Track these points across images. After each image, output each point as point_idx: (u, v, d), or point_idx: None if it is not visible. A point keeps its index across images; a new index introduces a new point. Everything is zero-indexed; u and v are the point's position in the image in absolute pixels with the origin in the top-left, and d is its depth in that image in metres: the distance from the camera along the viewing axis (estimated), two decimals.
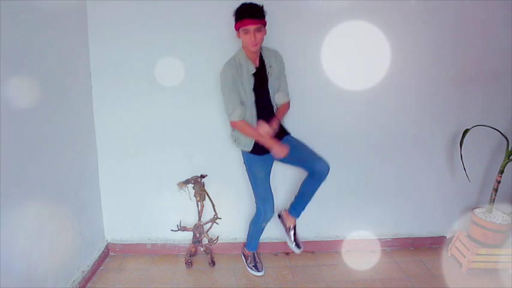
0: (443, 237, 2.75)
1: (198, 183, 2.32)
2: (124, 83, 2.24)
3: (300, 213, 2.28)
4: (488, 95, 2.43)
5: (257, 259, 2.42)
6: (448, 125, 2.48)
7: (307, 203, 2.24)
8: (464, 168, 2.35)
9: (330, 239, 2.65)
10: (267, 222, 2.26)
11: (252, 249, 2.41)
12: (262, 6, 1.87)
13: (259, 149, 2.06)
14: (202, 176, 2.36)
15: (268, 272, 2.39)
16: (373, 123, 2.43)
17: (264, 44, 2.00)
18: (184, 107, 2.32)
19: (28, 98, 1.62)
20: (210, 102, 2.31)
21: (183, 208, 2.45)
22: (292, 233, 2.32)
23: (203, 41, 2.20)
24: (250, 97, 1.99)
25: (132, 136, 2.35)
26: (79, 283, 2.08)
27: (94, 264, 2.29)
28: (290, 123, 2.37)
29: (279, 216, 2.39)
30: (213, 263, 2.43)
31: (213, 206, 2.39)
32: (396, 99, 2.40)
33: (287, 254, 2.61)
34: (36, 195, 1.71)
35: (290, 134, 2.20)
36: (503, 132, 2.34)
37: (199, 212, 2.38)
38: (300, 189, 2.22)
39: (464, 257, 2.44)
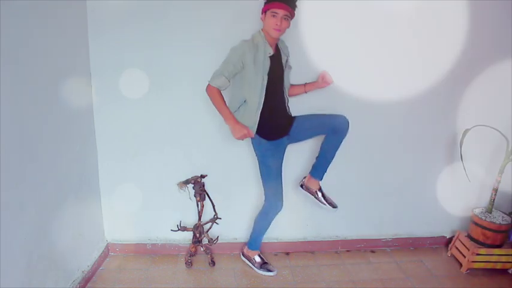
0: (443, 237, 2.75)
1: (198, 183, 2.32)
2: (124, 83, 2.24)
3: (323, 175, 2.25)
4: (488, 95, 2.43)
5: (264, 259, 2.41)
6: (448, 125, 2.48)
7: (329, 163, 2.21)
8: (464, 168, 2.35)
9: (330, 239, 2.65)
10: (275, 215, 2.25)
11: (256, 248, 2.40)
12: None
13: (271, 133, 2.06)
14: (202, 176, 2.36)
15: None
16: (373, 123, 2.43)
17: None
18: (185, 107, 2.32)
19: (28, 97, 1.62)
20: (210, 102, 2.31)
21: (183, 208, 2.45)
22: (320, 195, 2.28)
23: (203, 40, 2.20)
24: (261, 80, 1.94)
25: (132, 136, 2.35)
26: (79, 283, 2.08)
27: (94, 264, 2.29)
28: None
29: (301, 186, 2.34)
30: (213, 263, 2.43)
31: (213, 206, 2.39)
32: (396, 99, 2.39)
33: (287, 254, 2.61)
34: (36, 195, 1.71)
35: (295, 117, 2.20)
36: (503, 132, 2.34)
37: (199, 212, 2.38)
38: (321, 149, 2.21)
39: (464, 257, 2.44)
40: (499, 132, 2.34)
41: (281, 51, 2.05)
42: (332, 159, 2.20)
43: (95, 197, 2.39)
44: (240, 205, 2.51)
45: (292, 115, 2.20)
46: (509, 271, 2.44)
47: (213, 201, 2.39)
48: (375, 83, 2.35)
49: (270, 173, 2.15)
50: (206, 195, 2.36)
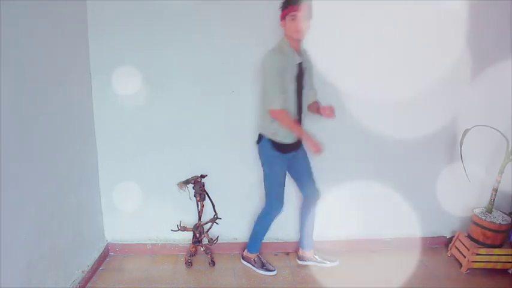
0: (443, 237, 2.75)
1: (198, 183, 2.32)
2: (124, 83, 2.24)
3: (312, 243, 2.44)
4: (488, 95, 2.43)
5: (263, 260, 2.43)
6: (448, 125, 2.48)
7: (313, 230, 2.41)
8: (464, 168, 2.35)
9: (330, 239, 2.65)
10: (275, 217, 2.28)
11: (255, 251, 2.41)
12: None
13: (286, 147, 2.12)
14: (202, 176, 2.36)
15: None
16: (373, 124, 2.43)
17: None
18: (185, 107, 2.32)
19: (28, 98, 1.62)
20: (210, 102, 2.32)
21: (183, 208, 2.45)
22: (318, 258, 2.46)
23: (203, 40, 2.20)
24: (292, 87, 2.01)
25: (132, 136, 2.35)
26: (79, 283, 2.08)
27: (94, 264, 2.29)
28: None
29: (300, 258, 2.50)
30: (213, 263, 2.43)
31: (213, 206, 2.39)
32: (396, 99, 2.39)
33: (287, 254, 2.61)
34: (36, 195, 1.71)
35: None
36: (503, 132, 2.34)
37: (199, 212, 2.38)
38: (302, 223, 2.41)
39: (464, 257, 2.44)
40: (499, 132, 2.34)
41: (302, 56, 2.05)
42: (313, 226, 2.40)
43: (95, 197, 2.38)
44: (240, 205, 2.52)
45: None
46: (509, 271, 2.44)
47: (213, 201, 2.39)
48: (374, 83, 2.35)
49: (276, 179, 2.19)
50: (206, 195, 2.36)
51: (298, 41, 1.98)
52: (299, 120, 2.12)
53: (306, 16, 1.89)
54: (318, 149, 2.01)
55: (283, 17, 1.94)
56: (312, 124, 2.39)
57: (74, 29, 2.03)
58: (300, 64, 2.02)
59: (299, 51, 2.02)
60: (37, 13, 1.66)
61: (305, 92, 2.11)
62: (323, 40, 2.23)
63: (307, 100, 2.16)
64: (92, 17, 2.12)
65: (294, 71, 1.99)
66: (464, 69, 2.37)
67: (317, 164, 2.48)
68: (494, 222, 2.35)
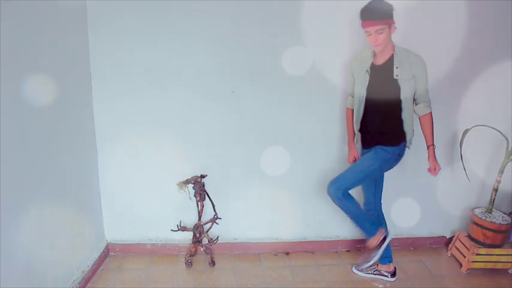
0: (443, 237, 2.75)
1: (198, 183, 2.32)
2: (124, 82, 2.24)
3: (371, 232, 2.16)
4: (488, 95, 2.43)
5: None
6: (448, 125, 2.48)
7: (363, 223, 2.17)
8: (464, 168, 2.35)
9: (330, 239, 2.65)
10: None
11: (390, 260, 2.30)
12: (386, 5, 1.84)
13: (363, 141, 2.18)
14: (202, 176, 2.36)
15: (268, 272, 2.39)
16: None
17: None
18: (185, 107, 2.32)
19: (28, 98, 1.62)
20: (211, 102, 2.31)
21: (183, 208, 2.45)
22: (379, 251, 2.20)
23: (203, 40, 2.20)
24: (361, 93, 2.03)
25: (132, 136, 2.34)
26: (79, 283, 2.08)
27: (94, 264, 2.29)
28: (290, 122, 2.37)
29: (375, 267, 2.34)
30: (213, 263, 2.43)
31: (213, 206, 2.39)
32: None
33: (287, 254, 2.61)
34: (36, 195, 1.71)
35: (384, 149, 2.07)
36: (503, 132, 2.34)
37: (199, 212, 2.38)
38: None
39: (464, 257, 2.44)
40: (499, 132, 2.34)
41: (394, 61, 1.94)
42: (361, 219, 2.17)
43: (95, 197, 2.38)
44: (240, 205, 2.51)
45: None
46: (509, 271, 2.44)
47: (213, 201, 2.39)
48: None
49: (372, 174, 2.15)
50: (206, 195, 2.36)
51: (381, 52, 1.94)
52: (363, 131, 2.12)
53: (379, 29, 1.82)
54: (349, 159, 2.28)
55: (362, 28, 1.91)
56: (312, 124, 2.40)
57: (74, 29, 2.03)
58: (377, 72, 1.97)
59: (382, 59, 1.96)
60: (37, 13, 1.66)
61: (404, 99, 1.96)
62: (322, 39, 2.23)
63: (418, 113, 2.03)
64: (92, 17, 2.12)
65: (364, 79, 2.00)
66: (464, 69, 2.37)
67: (318, 163, 2.48)
68: (494, 222, 2.35)
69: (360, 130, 2.15)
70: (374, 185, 2.24)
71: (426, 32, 2.28)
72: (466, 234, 2.52)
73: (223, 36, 2.19)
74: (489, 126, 2.35)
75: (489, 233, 2.36)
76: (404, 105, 1.98)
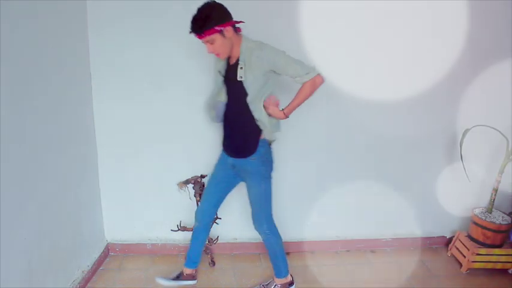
0: (443, 237, 2.75)
1: (198, 183, 2.32)
2: (124, 82, 2.24)
3: (284, 270, 2.14)
4: (488, 95, 2.43)
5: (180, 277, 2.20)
6: (448, 125, 2.48)
7: (281, 259, 2.13)
8: (464, 168, 2.35)
9: (330, 239, 2.65)
10: (196, 222, 2.14)
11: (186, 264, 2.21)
12: (206, 17, 1.65)
13: (222, 144, 2.01)
14: (202, 176, 2.36)
15: (268, 272, 2.38)
16: (373, 124, 2.43)
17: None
18: (185, 106, 2.32)
19: (28, 98, 1.62)
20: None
21: (183, 208, 2.45)
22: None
23: None
24: (219, 93, 1.92)
25: (132, 136, 2.35)
26: (79, 283, 2.09)
27: (94, 264, 2.29)
28: (290, 122, 2.36)
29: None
30: (213, 263, 2.43)
31: None
32: (396, 99, 2.39)
33: (287, 254, 2.60)
34: (36, 195, 1.71)
35: (259, 159, 1.91)
36: (503, 132, 2.34)
37: None
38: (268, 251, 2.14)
39: (464, 257, 2.44)
40: (499, 132, 2.34)
41: (239, 61, 1.77)
42: (280, 256, 2.11)
43: (95, 197, 2.39)
44: (240, 205, 2.51)
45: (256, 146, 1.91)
46: (509, 271, 2.44)
47: None
48: (374, 83, 2.35)
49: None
50: None
51: (228, 57, 1.82)
52: (228, 131, 1.94)
53: (207, 40, 1.70)
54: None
55: None
56: (312, 124, 2.40)
57: (74, 29, 2.03)
58: (227, 73, 1.85)
59: (234, 59, 1.81)
60: (37, 13, 1.66)
61: (251, 100, 1.80)
62: (322, 39, 2.23)
63: (252, 107, 1.83)
64: (92, 17, 2.12)
65: (220, 76, 1.88)
66: (464, 69, 2.37)
67: (318, 164, 2.48)
68: (494, 222, 2.35)
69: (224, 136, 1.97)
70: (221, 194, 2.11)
71: (426, 32, 2.28)
72: (466, 234, 2.52)
73: None
74: (489, 126, 2.35)
75: (489, 233, 2.36)
76: (253, 107, 1.81)
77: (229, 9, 1.73)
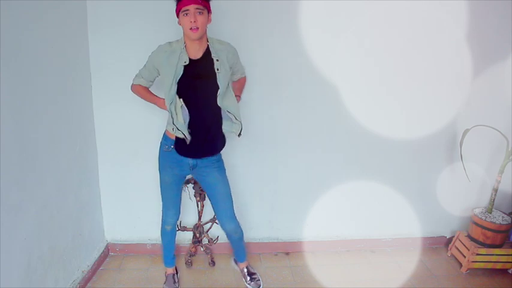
0: (443, 237, 2.75)
1: (198, 183, 2.32)
2: (124, 82, 2.23)
3: (243, 256, 2.24)
4: (488, 95, 2.43)
5: (176, 279, 2.21)
6: (448, 125, 2.48)
7: (242, 248, 2.21)
8: (464, 168, 2.35)
9: (330, 239, 2.65)
10: (169, 226, 2.13)
11: (166, 264, 2.23)
12: None
13: (178, 144, 1.86)
14: None
15: (268, 272, 2.39)
16: (373, 124, 2.43)
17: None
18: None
19: (28, 98, 1.62)
20: None
21: (183, 208, 2.44)
22: (245, 273, 2.25)
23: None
24: (172, 88, 1.76)
25: (132, 136, 2.35)
26: (79, 283, 2.09)
27: (94, 264, 2.29)
28: (290, 122, 2.37)
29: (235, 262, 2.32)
30: (213, 263, 2.43)
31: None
32: (396, 99, 2.40)
33: (287, 254, 2.61)
34: (36, 195, 1.71)
35: (220, 156, 1.97)
36: (503, 132, 2.34)
37: (199, 212, 2.38)
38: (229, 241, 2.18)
39: (464, 257, 2.44)
40: (499, 132, 2.34)
41: (211, 54, 1.77)
42: (242, 247, 2.19)
43: (95, 197, 2.39)
44: (239, 205, 2.51)
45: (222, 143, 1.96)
46: (509, 271, 2.44)
47: None
48: (374, 83, 2.35)
49: (162, 186, 2.04)
50: (206, 195, 2.36)
51: (197, 41, 1.73)
52: (195, 129, 1.82)
53: (200, 9, 1.64)
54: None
55: (177, 14, 1.71)
56: (312, 124, 2.40)
57: (74, 29, 2.03)
58: (195, 66, 1.76)
59: (199, 52, 1.77)
60: (37, 13, 1.66)
61: (221, 92, 1.79)
62: (322, 39, 2.23)
63: (221, 101, 1.82)
64: (92, 17, 2.12)
65: (177, 74, 1.74)
66: (464, 69, 2.37)
67: (318, 164, 2.48)
68: (494, 222, 2.35)
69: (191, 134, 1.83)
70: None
71: (426, 32, 2.28)
72: (466, 234, 2.52)
73: (224, 37, 2.19)
74: (489, 126, 2.35)
75: (489, 233, 2.36)
76: (225, 101, 1.83)
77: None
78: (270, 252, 2.60)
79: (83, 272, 2.17)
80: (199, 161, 1.91)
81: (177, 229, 2.38)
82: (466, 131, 2.35)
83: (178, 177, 2.03)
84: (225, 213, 2.03)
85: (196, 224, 2.41)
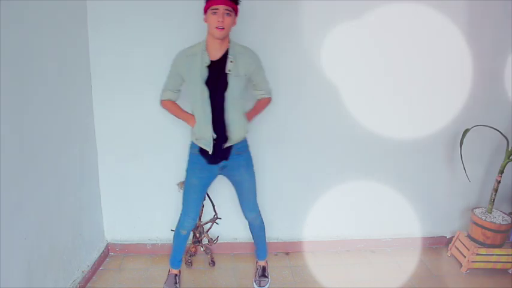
0: (443, 237, 2.75)
1: None
2: (124, 82, 2.24)
3: (263, 253, 2.30)
4: (488, 95, 2.44)
5: (177, 281, 2.18)
6: (448, 125, 2.48)
7: (263, 242, 2.26)
8: (464, 168, 2.35)
9: (330, 239, 2.65)
10: (185, 230, 2.08)
11: (173, 265, 2.20)
12: None
13: (205, 155, 1.91)
14: None
15: (268, 271, 2.38)
16: (373, 124, 2.43)
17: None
18: (184, 106, 2.31)
19: (28, 98, 1.62)
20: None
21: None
22: (259, 270, 2.29)
23: (203, 39, 2.19)
24: (202, 91, 1.79)
25: (132, 136, 2.35)
26: (79, 283, 2.08)
27: (94, 264, 2.29)
28: (290, 122, 2.37)
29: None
30: (213, 263, 2.43)
31: (213, 206, 2.39)
32: (396, 99, 2.40)
33: (287, 254, 2.61)
34: (36, 195, 1.71)
35: (247, 152, 2.03)
36: (503, 132, 2.34)
37: (199, 212, 2.38)
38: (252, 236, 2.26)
39: (464, 257, 2.44)
40: (499, 132, 2.34)
41: (228, 55, 1.80)
42: (263, 242, 2.27)
43: (95, 197, 2.38)
44: (239, 205, 2.51)
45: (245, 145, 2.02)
46: (509, 271, 2.44)
47: (213, 201, 2.39)
48: (374, 84, 2.35)
49: (188, 188, 2.04)
50: (206, 195, 2.36)
51: (220, 39, 1.75)
52: (216, 128, 1.85)
53: (229, 10, 1.68)
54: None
55: (205, 11, 1.74)
56: (312, 124, 2.40)
57: (74, 29, 2.03)
58: (215, 67, 1.78)
59: (219, 52, 1.79)
60: (37, 13, 1.66)
61: (232, 93, 1.82)
62: (323, 40, 2.23)
63: (239, 105, 1.89)
64: (92, 17, 2.12)
65: (202, 75, 1.78)
66: (464, 69, 2.37)
67: (318, 164, 2.48)
68: (494, 222, 2.35)
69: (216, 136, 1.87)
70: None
71: (426, 32, 2.28)
72: (466, 234, 2.52)
73: None
74: (489, 126, 2.35)
75: (489, 233, 2.36)
76: (229, 103, 1.83)
77: None
78: (270, 252, 2.60)
79: (83, 272, 2.17)
80: (227, 162, 1.96)
81: None
82: (466, 131, 2.36)
83: (206, 180, 2.04)
84: (248, 204, 2.13)
85: (196, 224, 2.41)
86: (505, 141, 2.37)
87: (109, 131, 2.32)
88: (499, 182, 2.39)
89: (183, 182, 2.31)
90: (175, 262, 2.19)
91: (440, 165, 2.58)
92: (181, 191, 2.34)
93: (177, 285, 2.18)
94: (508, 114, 2.48)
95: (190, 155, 2.01)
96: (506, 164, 2.37)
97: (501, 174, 2.39)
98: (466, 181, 2.44)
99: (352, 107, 2.38)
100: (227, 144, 1.90)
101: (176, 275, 2.21)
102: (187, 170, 2.02)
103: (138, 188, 2.44)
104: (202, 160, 1.94)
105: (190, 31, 2.17)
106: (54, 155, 1.85)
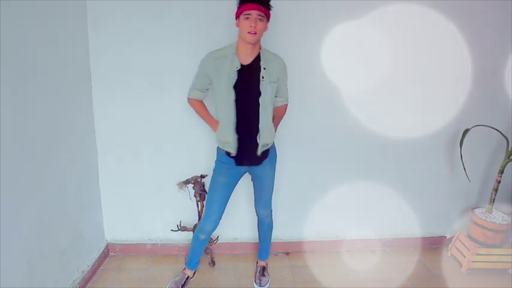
0: (443, 237, 2.75)
1: (198, 183, 2.32)
2: (124, 82, 2.24)
3: (266, 254, 2.35)
4: (488, 95, 2.44)
5: (187, 282, 2.18)
6: (448, 125, 2.48)
7: (267, 242, 2.31)
8: (464, 168, 2.35)
9: (330, 239, 2.65)
10: (205, 235, 2.08)
11: (189, 266, 2.20)
12: None
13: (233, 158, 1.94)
14: (202, 176, 2.36)
15: (268, 271, 2.38)
16: (373, 124, 2.43)
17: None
18: (184, 106, 2.31)
19: (28, 98, 1.62)
20: (211, 102, 2.31)
21: (183, 208, 2.45)
22: (259, 270, 2.33)
23: (204, 39, 2.19)
24: (228, 94, 1.81)
25: (132, 136, 2.35)
26: (79, 283, 2.08)
27: (94, 264, 2.29)
28: (290, 122, 2.37)
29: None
30: (213, 263, 2.43)
31: None
32: (396, 99, 2.40)
33: (287, 254, 2.61)
34: (36, 195, 1.71)
35: (273, 150, 2.07)
36: (503, 132, 2.34)
37: (199, 212, 2.38)
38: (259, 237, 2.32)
39: (464, 257, 2.44)
40: (499, 132, 2.34)
41: (261, 61, 1.82)
42: (268, 245, 2.32)
43: (95, 197, 2.38)
44: (240, 205, 2.51)
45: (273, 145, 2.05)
46: (509, 271, 2.44)
47: None
48: (374, 84, 2.35)
49: (213, 188, 2.03)
50: (206, 195, 2.36)
51: (251, 44, 1.77)
52: (243, 133, 1.88)
53: (261, 16, 1.70)
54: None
55: (237, 16, 1.77)
56: (312, 125, 2.40)
57: (74, 29, 2.03)
58: (245, 72, 1.80)
59: (250, 57, 1.81)
60: (37, 13, 1.66)
61: (265, 99, 1.84)
62: (323, 41, 2.23)
63: (275, 103, 1.97)
64: (92, 17, 2.12)
65: (231, 79, 1.79)
66: (464, 69, 2.37)
67: (318, 164, 2.48)
68: (494, 222, 2.35)
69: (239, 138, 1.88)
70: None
71: (426, 32, 2.28)
72: (466, 234, 2.52)
73: (225, 37, 2.19)
74: (489, 126, 2.35)
75: (489, 233, 2.36)
76: (265, 104, 1.85)
77: None
78: (271, 252, 2.60)
79: (83, 272, 2.17)
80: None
81: (177, 229, 2.39)
82: (466, 131, 2.36)
83: (234, 179, 2.03)
84: (263, 201, 2.15)
85: (196, 224, 2.41)
86: (505, 141, 2.37)
87: (109, 131, 2.32)
88: (499, 182, 2.39)
89: (183, 182, 2.32)
90: (192, 263, 2.19)
91: (440, 165, 2.58)
92: (181, 191, 2.35)
93: (184, 286, 2.17)
94: (508, 114, 2.48)
95: (219, 154, 2.01)
96: (506, 164, 2.37)
97: (501, 174, 2.39)
98: (466, 181, 2.44)
99: (351, 107, 2.38)
100: (259, 150, 1.91)
101: (188, 277, 2.20)
102: (215, 169, 2.04)
103: (138, 188, 2.44)
104: (231, 161, 1.95)
105: (190, 31, 2.18)
106: (54, 155, 1.85)
